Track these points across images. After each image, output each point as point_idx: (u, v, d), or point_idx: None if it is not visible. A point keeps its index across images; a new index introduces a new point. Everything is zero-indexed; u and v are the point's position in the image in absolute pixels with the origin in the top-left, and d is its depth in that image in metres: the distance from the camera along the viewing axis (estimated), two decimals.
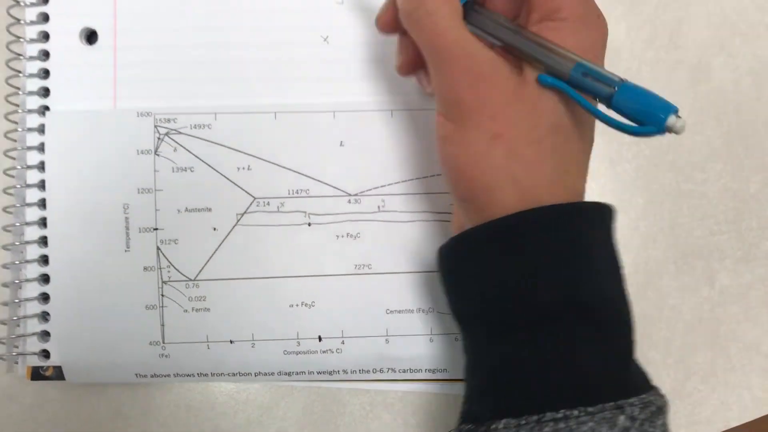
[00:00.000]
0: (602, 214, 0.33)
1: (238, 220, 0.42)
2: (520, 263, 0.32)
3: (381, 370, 0.43)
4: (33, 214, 0.42)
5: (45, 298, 0.42)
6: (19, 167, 0.42)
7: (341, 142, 0.42)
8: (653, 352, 0.44)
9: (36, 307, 0.42)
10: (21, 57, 0.42)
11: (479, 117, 0.32)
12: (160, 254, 0.42)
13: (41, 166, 0.42)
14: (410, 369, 0.43)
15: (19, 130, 0.42)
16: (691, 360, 0.44)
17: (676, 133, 0.29)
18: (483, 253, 0.33)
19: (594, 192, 0.44)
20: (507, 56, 0.33)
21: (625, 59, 0.44)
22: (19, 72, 0.43)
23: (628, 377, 0.32)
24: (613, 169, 0.44)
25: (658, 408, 0.31)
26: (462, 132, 0.33)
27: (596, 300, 0.31)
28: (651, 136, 0.29)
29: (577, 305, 0.31)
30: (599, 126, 0.44)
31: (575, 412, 0.29)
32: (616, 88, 0.30)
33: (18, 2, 0.42)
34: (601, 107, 0.31)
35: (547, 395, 0.31)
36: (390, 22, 0.36)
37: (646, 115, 0.29)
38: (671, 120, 0.28)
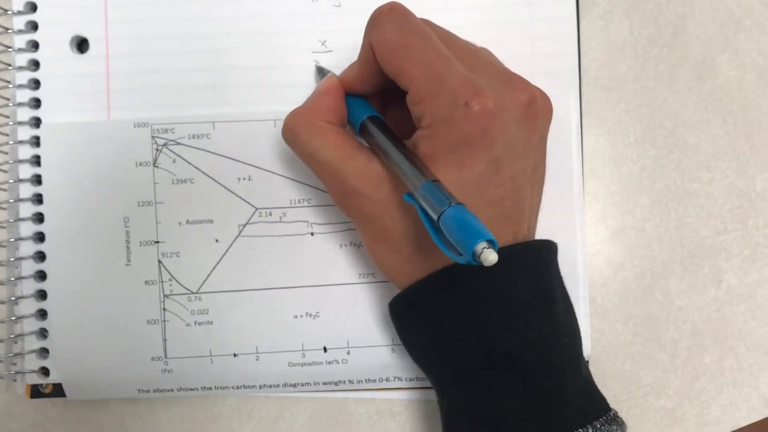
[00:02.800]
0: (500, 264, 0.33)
1: (240, 231, 0.41)
2: (428, 327, 0.34)
3: (387, 379, 0.42)
4: (27, 228, 0.41)
5: (42, 314, 0.41)
6: (11, 181, 0.41)
7: None
8: (661, 353, 0.44)
9: (33, 324, 0.41)
10: (10, 67, 0.41)
11: (359, 223, 0.36)
12: (162, 267, 0.41)
13: (34, 180, 0.41)
14: (417, 377, 0.42)
15: (10, 142, 0.41)
16: (698, 361, 0.44)
17: (482, 264, 0.26)
18: (400, 320, 0.36)
19: (599, 193, 0.44)
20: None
21: (629, 57, 0.44)
22: (9, 82, 0.41)
23: (560, 414, 0.32)
24: (618, 170, 0.44)
25: None
26: (361, 231, 0.37)
27: (515, 347, 0.32)
28: (468, 264, 0.27)
29: (499, 355, 0.32)
30: (602, 127, 0.43)
31: None
32: (443, 211, 0.28)
33: (5, 11, 0.41)
34: None
35: None
36: (357, 82, 0.36)
37: (460, 243, 0.27)
38: (478, 247, 0.26)
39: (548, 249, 0.35)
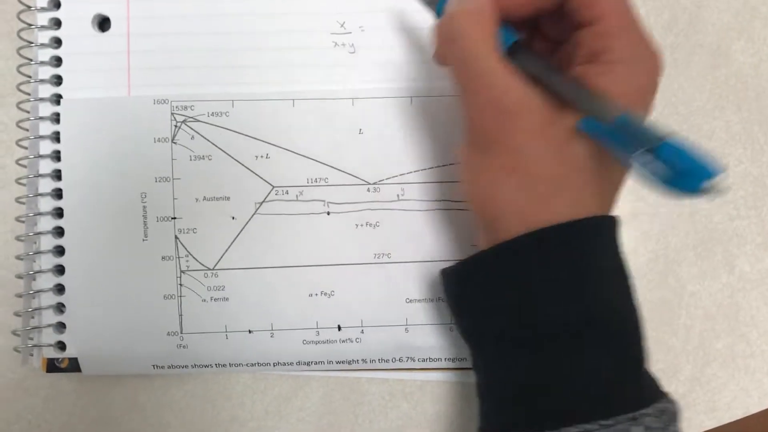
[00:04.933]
0: (603, 226, 0.32)
1: (257, 209, 0.41)
2: (525, 285, 0.32)
3: (400, 359, 0.42)
4: (46, 204, 0.41)
5: (60, 289, 0.41)
6: (31, 156, 0.42)
7: (360, 129, 0.41)
8: (673, 338, 0.44)
9: (51, 299, 0.41)
10: (32, 44, 0.42)
11: (499, 149, 0.32)
12: (179, 243, 0.41)
13: (54, 156, 0.41)
14: (430, 358, 0.42)
15: (31, 118, 0.42)
16: (710, 346, 0.44)
17: (710, 192, 0.26)
18: (490, 277, 0.33)
19: None
20: (547, 93, 0.32)
21: None
22: (30, 60, 0.42)
23: (642, 387, 0.32)
24: None
25: (672, 415, 0.31)
26: (481, 160, 0.33)
27: (606, 313, 0.31)
28: (687, 196, 0.27)
29: (589, 320, 0.31)
30: None
31: (593, 426, 0.30)
32: (664, 140, 0.27)
33: None
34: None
35: (564, 411, 0.31)
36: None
37: (693, 170, 0.26)
38: (716, 175, 0.26)
39: (618, 224, 0.34)
